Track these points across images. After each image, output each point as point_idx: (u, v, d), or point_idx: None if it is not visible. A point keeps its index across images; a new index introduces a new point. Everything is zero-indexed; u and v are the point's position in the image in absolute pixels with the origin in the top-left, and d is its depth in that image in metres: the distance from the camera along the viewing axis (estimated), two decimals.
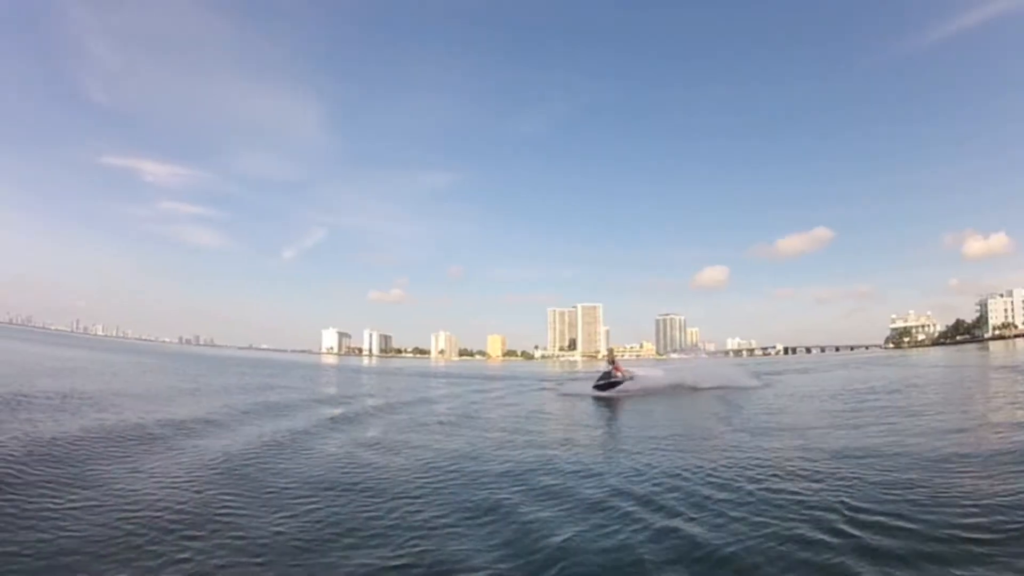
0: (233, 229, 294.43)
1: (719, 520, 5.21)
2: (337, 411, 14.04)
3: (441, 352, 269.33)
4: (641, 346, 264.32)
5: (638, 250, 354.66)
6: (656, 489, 6.32)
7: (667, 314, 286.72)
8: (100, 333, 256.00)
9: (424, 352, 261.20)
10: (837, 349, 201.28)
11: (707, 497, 5.93)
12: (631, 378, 21.39)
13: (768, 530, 4.90)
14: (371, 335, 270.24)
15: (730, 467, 7.29)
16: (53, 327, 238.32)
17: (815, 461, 7.42)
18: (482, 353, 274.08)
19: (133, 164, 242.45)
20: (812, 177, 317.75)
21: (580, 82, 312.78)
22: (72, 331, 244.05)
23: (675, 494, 6.09)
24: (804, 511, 5.34)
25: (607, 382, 21.04)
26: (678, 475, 6.94)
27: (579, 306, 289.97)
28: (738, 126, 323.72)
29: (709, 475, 6.86)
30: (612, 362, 22.47)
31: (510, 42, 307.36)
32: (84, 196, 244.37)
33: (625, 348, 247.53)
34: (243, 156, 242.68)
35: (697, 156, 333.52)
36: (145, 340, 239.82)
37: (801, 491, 6.00)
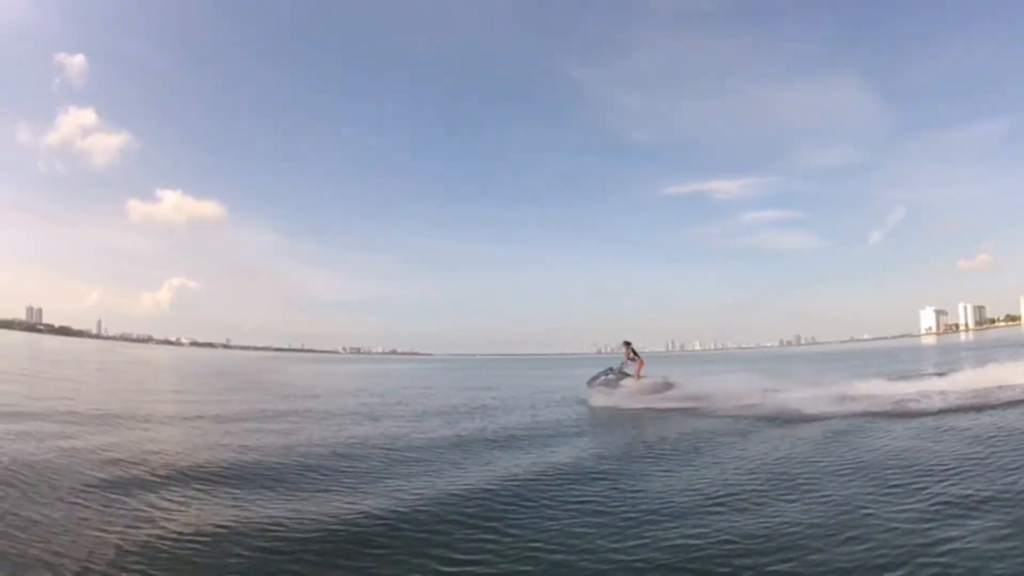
0: (810, 225, 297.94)
1: None
2: None
3: None
4: None
5: None
6: None
7: None
8: (697, 348, 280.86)
9: (1015, 319, 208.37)
10: None
11: None
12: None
13: None
14: (964, 308, 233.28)
15: None
16: (648, 349, 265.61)
17: None
18: None
19: (702, 187, 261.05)
20: None
21: None
22: (667, 350, 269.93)
23: None
24: None
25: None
26: None
27: None
28: None
29: None
30: (633, 356, 17.84)
31: None
32: (655, 227, 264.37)
33: None
34: (803, 152, 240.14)
35: None
36: (743, 348, 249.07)
37: None
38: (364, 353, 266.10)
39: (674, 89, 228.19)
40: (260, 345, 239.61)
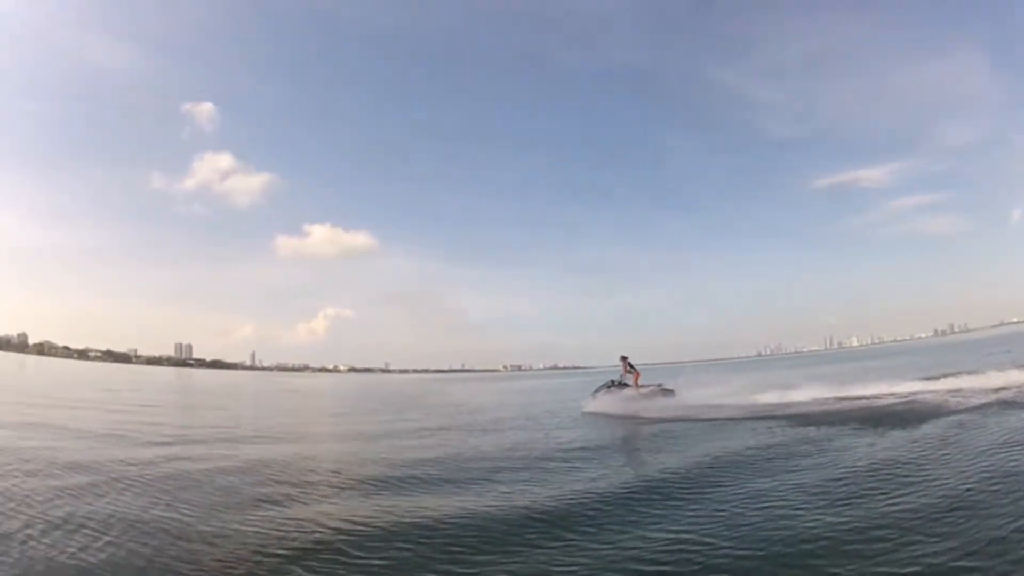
0: (956, 207, 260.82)
1: None
2: None
3: None
4: None
5: None
6: None
7: None
8: (855, 344, 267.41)
9: None
10: None
11: None
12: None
13: None
14: None
15: None
16: (806, 349, 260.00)
17: None
18: None
19: (848, 177, 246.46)
20: None
21: None
22: (825, 348, 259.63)
23: None
24: None
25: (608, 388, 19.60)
26: None
27: None
28: None
29: None
30: (630, 366, 19.74)
31: None
32: (805, 222, 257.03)
33: None
34: (943, 130, 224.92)
35: None
36: (898, 341, 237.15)
37: None
38: (525, 370, 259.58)
39: (809, 78, 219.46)
40: (419, 368, 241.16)
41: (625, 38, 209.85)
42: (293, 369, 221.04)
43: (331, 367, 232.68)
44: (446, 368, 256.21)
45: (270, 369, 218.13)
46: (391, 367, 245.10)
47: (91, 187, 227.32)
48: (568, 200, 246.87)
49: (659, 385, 19.35)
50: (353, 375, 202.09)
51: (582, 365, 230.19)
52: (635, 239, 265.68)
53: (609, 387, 19.66)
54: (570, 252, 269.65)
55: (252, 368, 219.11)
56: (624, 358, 19.92)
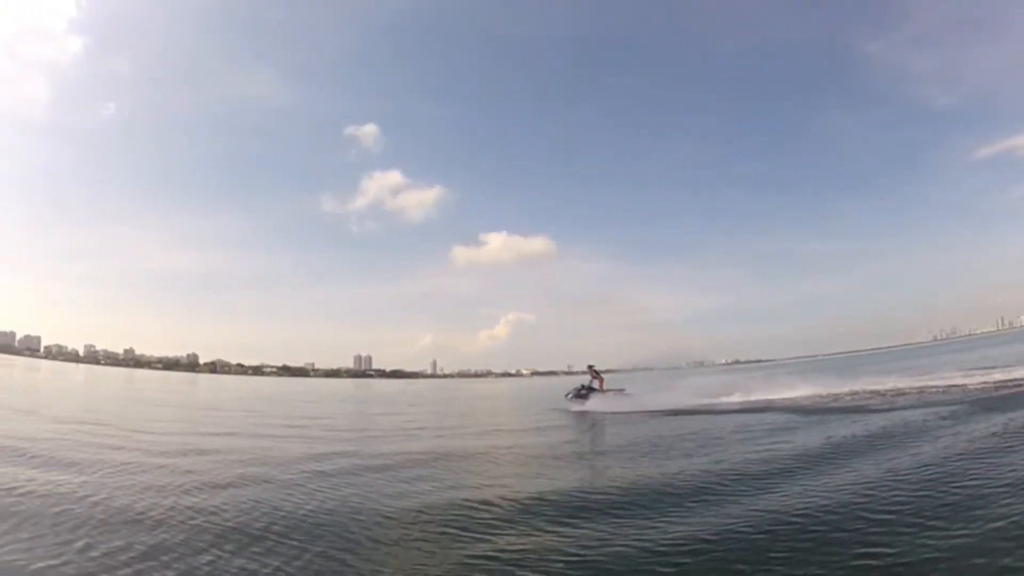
0: None
1: None
2: None
3: None
4: None
5: None
6: None
7: None
8: None
9: None
10: None
11: None
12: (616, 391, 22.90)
13: None
14: None
15: None
16: (979, 331, 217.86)
17: None
18: None
19: (1008, 146, 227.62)
20: None
21: None
22: (998, 328, 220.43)
23: None
24: None
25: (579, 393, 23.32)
26: None
27: None
28: None
29: None
30: (596, 373, 23.69)
31: None
32: (970, 195, 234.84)
33: None
34: None
35: None
36: None
37: None
38: (707, 365, 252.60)
39: (959, 44, 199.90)
40: (602, 368, 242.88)
41: (770, 16, 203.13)
42: (475, 375, 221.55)
43: (514, 371, 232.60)
44: (629, 367, 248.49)
45: (451, 376, 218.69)
46: (573, 369, 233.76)
47: (262, 216, 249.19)
48: (741, 190, 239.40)
49: (623, 389, 23.92)
50: (537, 378, 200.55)
51: (763, 359, 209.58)
52: (810, 226, 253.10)
53: (579, 391, 23.70)
54: (744, 243, 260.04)
55: (433, 376, 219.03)
56: (591, 367, 24.43)
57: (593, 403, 22.62)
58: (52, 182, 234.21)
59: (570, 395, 23.88)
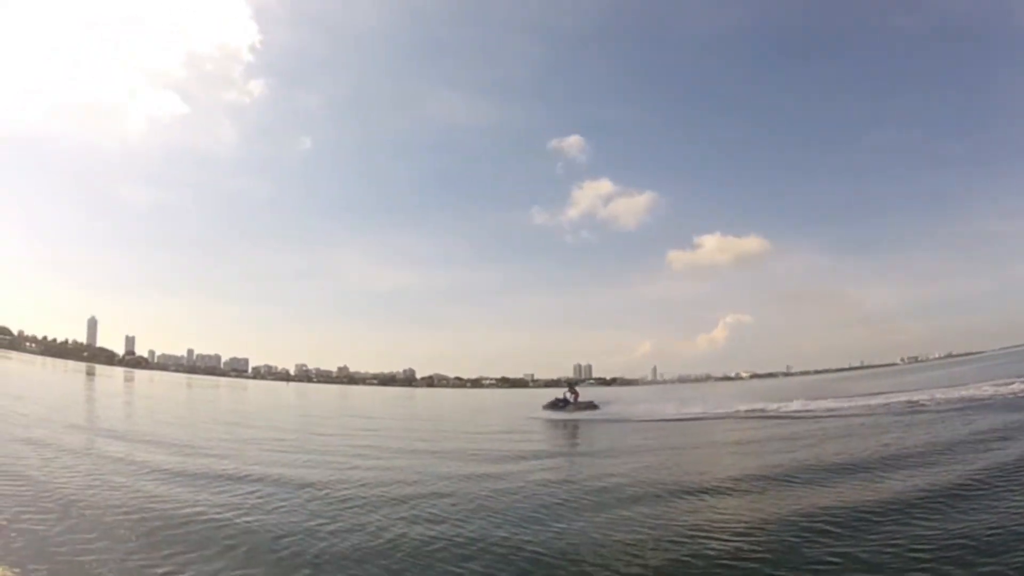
0: None
1: None
2: None
3: None
4: None
5: None
6: None
7: None
8: None
9: None
10: None
11: None
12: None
13: None
14: None
15: None
16: None
17: None
18: None
19: None
20: None
21: None
22: None
23: None
24: None
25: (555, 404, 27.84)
26: None
27: None
28: None
29: None
30: (572, 388, 28.90)
31: None
32: None
33: None
34: None
35: None
36: None
37: None
38: (921, 361, 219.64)
39: None
40: (819, 368, 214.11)
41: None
42: (695, 380, 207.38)
43: (732, 375, 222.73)
44: (846, 366, 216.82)
45: (671, 382, 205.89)
46: (792, 370, 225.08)
47: (475, 231, 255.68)
48: (945, 171, 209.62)
49: (590, 402, 28.42)
50: (755, 381, 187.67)
51: (981, 350, 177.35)
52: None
53: (556, 402, 28.40)
54: (954, 226, 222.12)
55: (653, 382, 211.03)
56: (570, 384, 31.66)
57: (560, 413, 27.30)
58: (248, 212, 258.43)
59: (548, 405, 28.44)
